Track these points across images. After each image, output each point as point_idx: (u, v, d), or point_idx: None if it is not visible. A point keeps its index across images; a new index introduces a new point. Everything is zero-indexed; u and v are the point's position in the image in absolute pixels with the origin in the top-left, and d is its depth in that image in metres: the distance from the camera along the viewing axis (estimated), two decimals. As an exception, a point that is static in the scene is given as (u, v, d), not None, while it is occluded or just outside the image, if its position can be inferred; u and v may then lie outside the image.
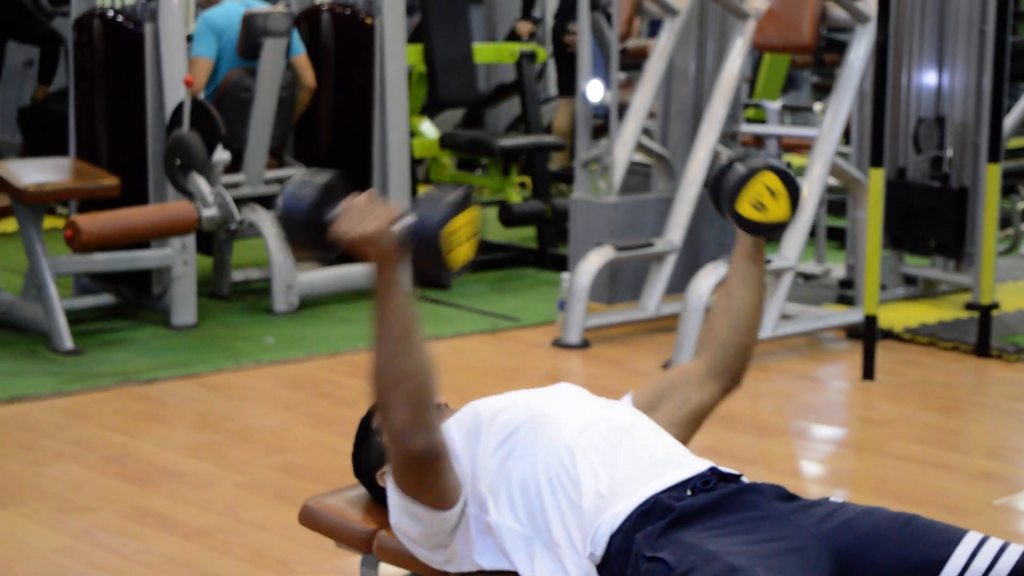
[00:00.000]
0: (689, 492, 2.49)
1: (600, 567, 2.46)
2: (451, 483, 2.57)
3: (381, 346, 2.43)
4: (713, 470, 2.56)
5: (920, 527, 2.41)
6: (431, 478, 2.55)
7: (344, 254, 2.43)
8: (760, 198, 2.73)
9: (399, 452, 2.50)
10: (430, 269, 2.40)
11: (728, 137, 7.11)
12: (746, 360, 2.86)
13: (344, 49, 7.20)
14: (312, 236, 2.42)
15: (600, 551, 2.46)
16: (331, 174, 2.46)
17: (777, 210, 2.74)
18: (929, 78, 6.81)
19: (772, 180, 2.73)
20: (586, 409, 2.70)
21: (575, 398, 2.76)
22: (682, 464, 2.57)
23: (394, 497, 2.63)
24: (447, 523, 2.59)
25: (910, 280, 7.05)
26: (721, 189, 2.79)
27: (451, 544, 2.61)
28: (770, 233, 2.75)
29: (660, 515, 2.44)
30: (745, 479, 2.57)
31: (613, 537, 2.45)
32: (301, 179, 2.45)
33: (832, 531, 2.40)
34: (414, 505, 2.58)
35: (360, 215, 2.39)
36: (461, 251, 2.42)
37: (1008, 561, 2.34)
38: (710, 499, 2.47)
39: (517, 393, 2.76)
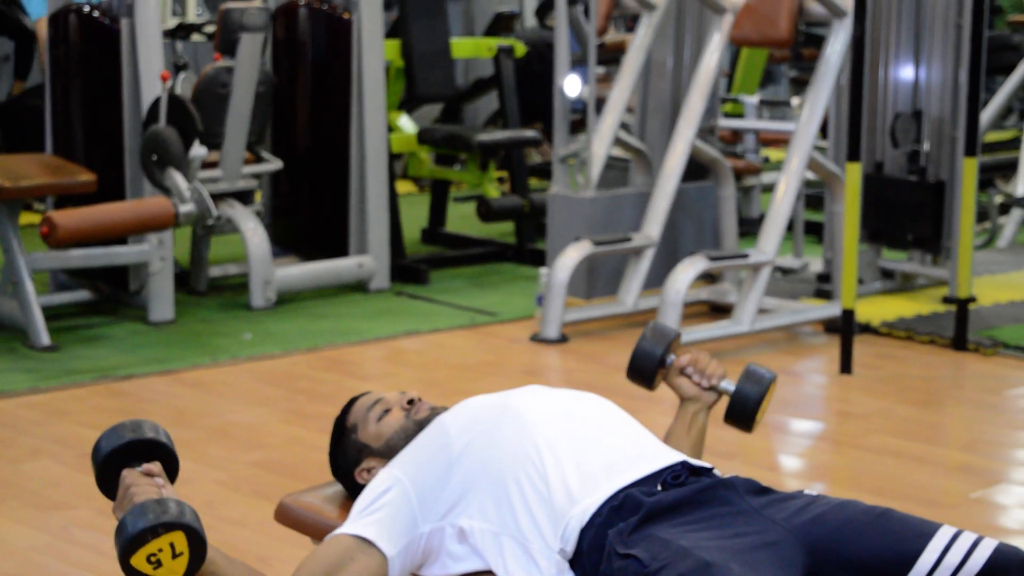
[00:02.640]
0: (659, 487, 2.49)
1: (572, 563, 2.46)
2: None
3: None
4: (684, 463, 2.56)
5: (894, 521, 2.41)
6: None
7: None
8: (765, 407, 2.96)
9: None
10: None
11: (706, 131, 7.12)
12: None
13: (321, 44, 7.19)
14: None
15: (571, 547, 2.46)
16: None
17: (764, 412, 2.97)
18: (906, 72, 6.82)
19: (773, 389, 2.94)
20: (554, 402, 2.69)
21: (544, 394, 2.75)
22: (653, 457, 2.57)
23: None
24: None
25: (887, 274, 7.07)
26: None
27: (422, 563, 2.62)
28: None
29: (631, 510, 2.44)
30: (717, 472, 2.58)
31: (584, 532, 2.45)
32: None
33: (805, 524, 2.41)
34: None
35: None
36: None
37: (981, 556, 2.34)
38: (682, 495, 2.47)
39: (486, 395, 2.76)
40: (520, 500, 2.52)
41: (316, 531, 2.88)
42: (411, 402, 2.80)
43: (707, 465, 2.58)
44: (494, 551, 2.54)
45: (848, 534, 2.39)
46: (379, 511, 2.57)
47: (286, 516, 2.94)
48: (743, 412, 2.92)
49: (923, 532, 2.38)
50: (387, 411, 2.80)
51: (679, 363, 2.98)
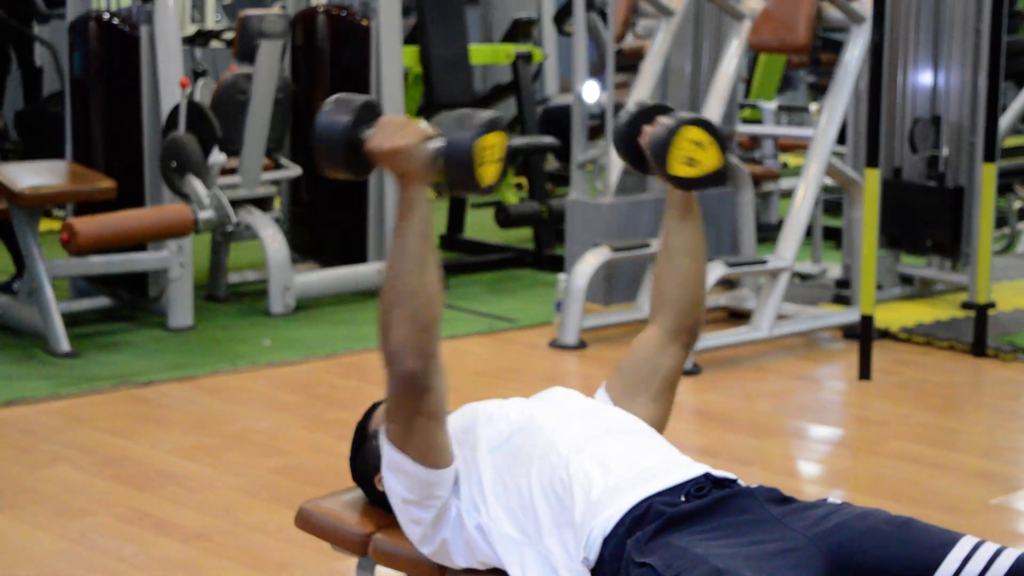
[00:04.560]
0: (683, 498, 2.49)
1: (594, 572, 2.46)
2: (440, 440, 2.57)
3: (393, 262, 2.47)
4: (707, 476, 2.55)
5: (915, 530, 2.40)
6: (419, 421, 2.53)
7: (369, 170, 2.54)
8: (690, 154, 2.69)
9: (392, 374, 2.51)
10: (462, 184, 2.50)
11: (724, 137, 7.11)
12: (698, 314, 2.86)
13: (340, 51, 7.21)
14: (347, 153, 2.48)
15: (594, 555, 2.45)
16: (365, 97, 2.53)
17: (709, 160, 2.71)
18: (925, 78, 6.81)
19: (696, 133, 2.69)
20: (581, 414, 2.70)
21: (570, 403, 2.76)
22: (676, 469, 2.56)
23: (383, 449, 2.62)
24: (433, 487, 2.58)
25: (906, 280, 7.06)
26: (641, 149, 2.76)
27: (439, 531, 2.61)
28: (708, 186, 2.70)
29: (652, 520, 2.44)
30: (741, 483, 2.57)
31: (606, 541, 2.45)
32: (336, 100, 2.51)
33: (825, 533, 2.40)
34: (401, 456, 2.57)
35: (395, 130, 2.47)
36: (489, 169, 2.52)
37: (1002, 566, 2.33)
38: (702, 504, 2.47)
39: (513, 400, 2.77)
40: (546, 511, 2.52)
41: (335, 537, 2.89)
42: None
43: (731, 476, 2.57)
44: (515, 561, 2.54)
45: (868, 543, 2.38)
46: None
47: (306, 522, 2.95)
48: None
49: (944, 542, 2.36)
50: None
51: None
